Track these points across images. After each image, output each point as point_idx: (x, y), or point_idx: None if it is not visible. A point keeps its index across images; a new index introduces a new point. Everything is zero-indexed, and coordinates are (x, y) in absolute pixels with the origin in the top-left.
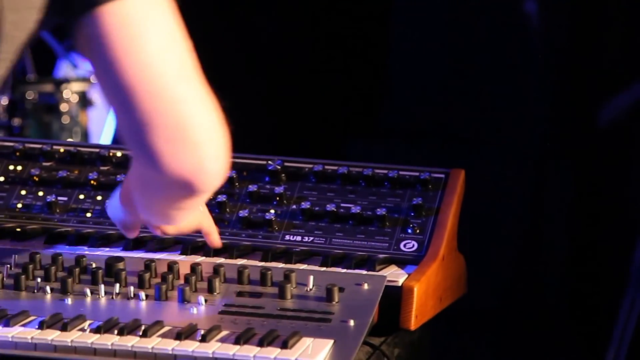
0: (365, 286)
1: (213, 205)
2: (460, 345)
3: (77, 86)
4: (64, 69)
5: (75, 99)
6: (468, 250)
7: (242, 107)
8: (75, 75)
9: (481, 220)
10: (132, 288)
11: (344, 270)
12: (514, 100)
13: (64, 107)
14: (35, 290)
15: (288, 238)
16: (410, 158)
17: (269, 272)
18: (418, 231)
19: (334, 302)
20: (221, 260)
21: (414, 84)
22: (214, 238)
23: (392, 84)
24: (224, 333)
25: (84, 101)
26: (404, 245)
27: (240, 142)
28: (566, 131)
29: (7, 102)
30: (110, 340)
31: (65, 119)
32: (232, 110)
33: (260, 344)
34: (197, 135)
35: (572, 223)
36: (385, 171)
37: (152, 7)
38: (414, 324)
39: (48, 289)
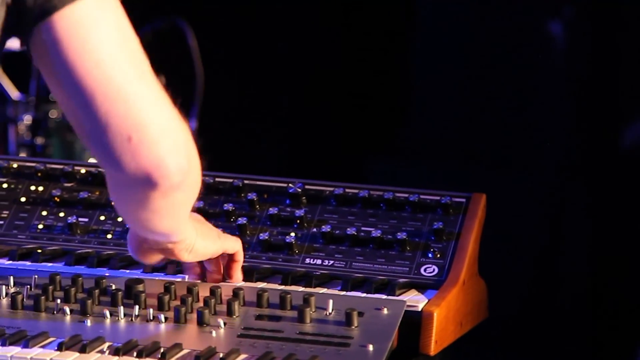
0: (385, 311)
1: (233, 228)
2: None
3: None
4: None
5: None
6: (488, 271)
7: (264, 126)
8: None
9: (501, 239)
10: (151, 310)
11: (364, 295)
12: (536, 121)
13: None
14: (55, 312)
15: (308, 261)
16: (431, 177)
17: (289, 295)
18: (439, 255)
19: (353, 327)
20: (241, 283)
21: (436, 104)
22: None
23: (414, 104)
24: (242, 356)
25: None
26: (425, 270)
27: (264, 160)
28: (587, 151)
29: (30, 121)
30: None
31: None
32: (254, 130)
33: None
34: (153, 133)
35: (592, 244)
36: (406, 195)
37: (102, 10)
38: (433, 349)
39: (67, 310)
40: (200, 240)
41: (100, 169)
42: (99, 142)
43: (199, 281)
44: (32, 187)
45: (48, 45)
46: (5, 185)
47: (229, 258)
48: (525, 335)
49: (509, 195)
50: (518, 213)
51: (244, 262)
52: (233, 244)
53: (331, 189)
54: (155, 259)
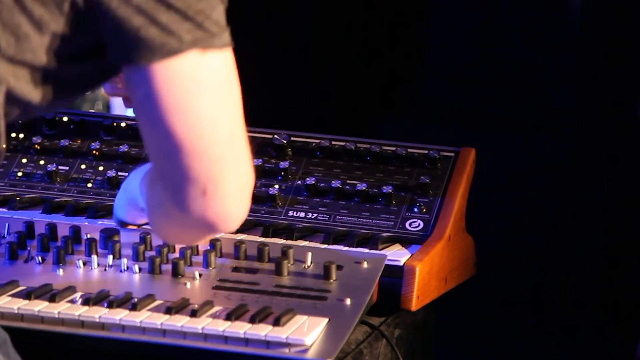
0: (365, 265)
1: None
2: (475, 329)
3: None
4: None
5: None
6: (497, 232)
7: (274, 84)
8: None
9: (512, 202)
10: (125, 260)
11: (345, 248)
12: (551, 81)
13: None
14: (27, 260)
15: (291, 214)
16: (442, 137)
17: (267, 247)
18: (425, 210)
19: (331, 280)
20: (221, 234)
21: (448, 63)
22: None
23: (426, 61)
24: (216, 309)
25: None
26: (410, 225)
27: (271, 117)
28: (603, 114)
29: None
30: (99, 313)
31: None
32: (262, 87)
33: (252, 320)
34: (227, 190)
35: (606, 209)
36: (394, 148)
37: (208, 65)
38: (415, 304)
39: (40, 258)
40: None
41: (83, 117)
42: (172, 187)
43: None
44: (13, 134)
45: (143, 92)
46: None
47: None
48: (530, 296)
49: (525, 155)
50: (533, 173)
51: None
52: None
53: (317, 141)
54: (139, 221)
